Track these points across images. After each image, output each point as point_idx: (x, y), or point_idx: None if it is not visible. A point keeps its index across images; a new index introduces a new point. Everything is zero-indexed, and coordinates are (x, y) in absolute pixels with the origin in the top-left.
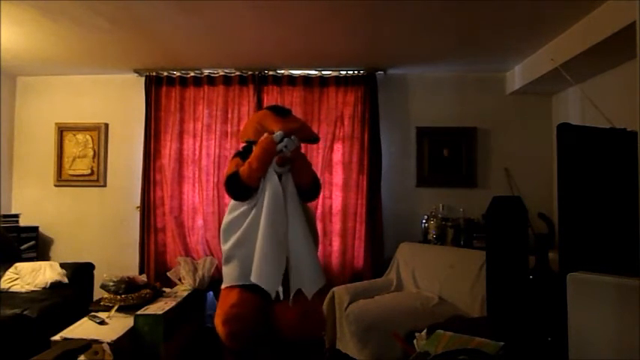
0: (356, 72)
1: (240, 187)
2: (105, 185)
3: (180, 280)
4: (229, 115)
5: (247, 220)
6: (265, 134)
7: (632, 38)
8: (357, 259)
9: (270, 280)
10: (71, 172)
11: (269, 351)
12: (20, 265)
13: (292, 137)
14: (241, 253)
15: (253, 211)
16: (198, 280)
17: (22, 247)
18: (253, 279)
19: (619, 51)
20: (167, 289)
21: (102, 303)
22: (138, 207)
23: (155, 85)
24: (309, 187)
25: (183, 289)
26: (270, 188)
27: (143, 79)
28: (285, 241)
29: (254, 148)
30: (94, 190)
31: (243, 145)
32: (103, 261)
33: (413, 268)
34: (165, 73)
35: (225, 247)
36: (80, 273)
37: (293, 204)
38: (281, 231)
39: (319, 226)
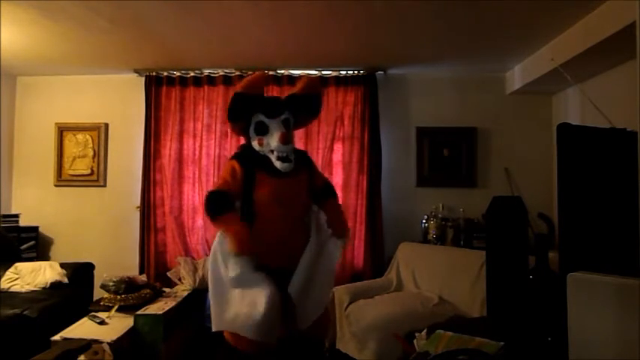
0: (356, 72)
1: (221, 208)
2: (105, 185)
3: (180, 280)
4: None
5: None
6: None
7: (632, 38)
8: (357, 259)
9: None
10: (71, 172)
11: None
12: (20, 265)
13: None
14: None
15: None
16: (198, 280)
17: (22, 247)
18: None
19: (619, 51)
20: (167, 289)
21: (102, 303)
22: (138, 207)
23: (155, 85)
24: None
25: (183, 289)
26: None
27: (143, 79)
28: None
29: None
30: (94, 190)
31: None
32: (103, 261)
33: (413, 268)
34: (165, 73)
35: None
36: (80, 273)
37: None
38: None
39: None
